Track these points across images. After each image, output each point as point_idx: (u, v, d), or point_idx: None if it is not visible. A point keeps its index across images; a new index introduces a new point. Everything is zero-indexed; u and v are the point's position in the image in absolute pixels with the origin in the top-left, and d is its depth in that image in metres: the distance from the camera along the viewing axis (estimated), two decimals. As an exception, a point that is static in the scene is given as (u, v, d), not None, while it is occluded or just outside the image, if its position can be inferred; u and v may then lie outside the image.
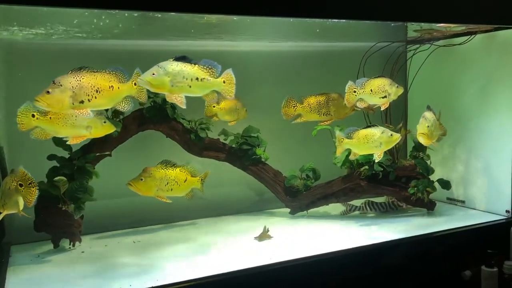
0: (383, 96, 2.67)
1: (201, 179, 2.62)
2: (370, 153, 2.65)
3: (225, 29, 2.63)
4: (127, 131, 2.53)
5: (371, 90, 2.65)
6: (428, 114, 2.71)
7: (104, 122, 2.27)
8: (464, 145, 3.06)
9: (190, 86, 2.21)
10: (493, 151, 2.88)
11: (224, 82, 2.32)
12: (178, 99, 2.21)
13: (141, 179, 2.48)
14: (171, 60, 2.21)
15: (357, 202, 2.93)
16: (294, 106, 2.82)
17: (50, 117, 2.15)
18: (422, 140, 2.66)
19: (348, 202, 2.91)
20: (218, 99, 2.74)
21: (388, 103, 2.72)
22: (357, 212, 2.92)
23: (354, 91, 2.65)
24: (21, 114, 2.14)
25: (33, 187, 2.09)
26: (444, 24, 2.66)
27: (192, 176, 2.59)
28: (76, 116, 2.17)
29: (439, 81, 3.15)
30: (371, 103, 2.70)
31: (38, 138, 2.19)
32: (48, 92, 2.00)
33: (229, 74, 2.34)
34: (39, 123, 2.15)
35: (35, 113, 2.14)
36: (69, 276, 2.07)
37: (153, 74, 2.15)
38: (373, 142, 2.59)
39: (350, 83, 2.65)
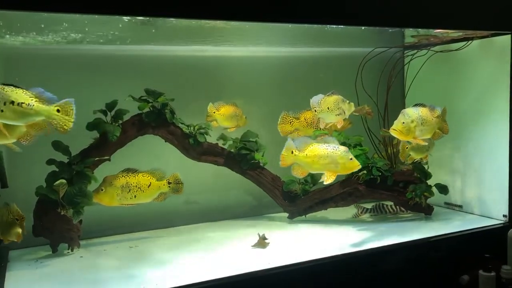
0: (338, 113, 2.61)
1: (169, 182, 2.49)
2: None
3: (224, 34, 2.63)
4: (126, 135, 2.54)
5: (328, 108, 2.58)
6: (410, 111, 2.56)
7: (351, 158, 2.37)
8: (461, 150, 3.08)
9: (2, 111, 1.87)
10: (490, 156, 2.89)
11: (58, 111, 1.99)
12: None
13: (102, 189, 2.37)
14: None
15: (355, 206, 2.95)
16: (290, 122, 2.82)
17: (306, 154, 2.37)
18: (396, 136, 2.54)
19: (360, 205, 2.93)
20: (218, 105, 2.76)
21: (342, 121, 2.63)
22: (367, 215, 2.94)
23: (315, 110, 2.57)
24: (285, 151, 2.43)
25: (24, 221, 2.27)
26: (441, 30, 2.68)
27: (158, 180, 2.47)
28: (328, 155, 2.36)
29: (436, 86, 3.16)
30: (328, 121, 2.61)
31: (298, 175, 2.45)
32: None
33: (67, 103, 2.01)
34: (297, 159, 2.40)
35: (293, 150, 2.42)
36: (68, 281, 2.07)
37: None
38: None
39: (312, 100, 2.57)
